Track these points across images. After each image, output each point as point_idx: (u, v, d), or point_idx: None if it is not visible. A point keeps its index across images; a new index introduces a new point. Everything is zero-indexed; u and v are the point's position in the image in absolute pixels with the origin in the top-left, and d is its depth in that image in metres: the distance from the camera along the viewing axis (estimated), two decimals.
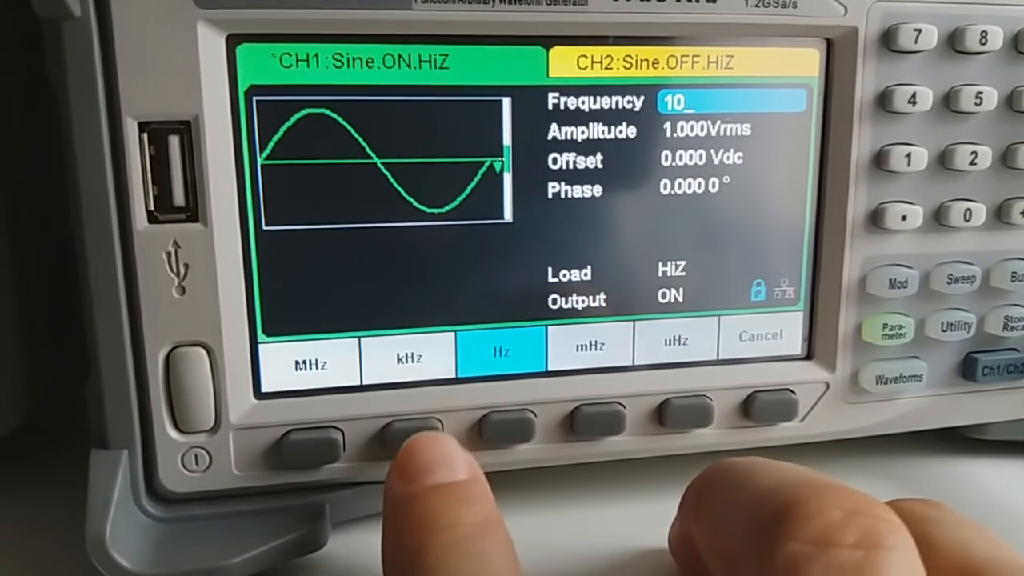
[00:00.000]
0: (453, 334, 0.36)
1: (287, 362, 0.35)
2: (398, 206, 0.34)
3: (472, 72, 0.33)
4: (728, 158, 0.37)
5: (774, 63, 0.36)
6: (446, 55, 0.33)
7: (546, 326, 0.37)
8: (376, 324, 0.35)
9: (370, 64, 0.32)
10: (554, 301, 0.37)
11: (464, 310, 0.35)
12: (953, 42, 0.36)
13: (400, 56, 0.32)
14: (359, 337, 0.35)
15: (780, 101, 0.36)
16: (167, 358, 0.33)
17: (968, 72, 0.37)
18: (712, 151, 0.36)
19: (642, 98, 0.35)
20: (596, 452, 0.38)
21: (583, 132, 0.35)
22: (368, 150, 0.33)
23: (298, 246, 0.33)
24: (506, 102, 0.34)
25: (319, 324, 0.34)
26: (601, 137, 0.35)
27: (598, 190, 0.36)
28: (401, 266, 0.34)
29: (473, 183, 0.34)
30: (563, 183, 0.35)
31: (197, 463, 0.34)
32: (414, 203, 0.34)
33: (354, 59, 0.32)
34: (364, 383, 0.36)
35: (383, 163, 0.33)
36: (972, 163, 0.38)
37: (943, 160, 0.37)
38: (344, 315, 0.34)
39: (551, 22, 0.33)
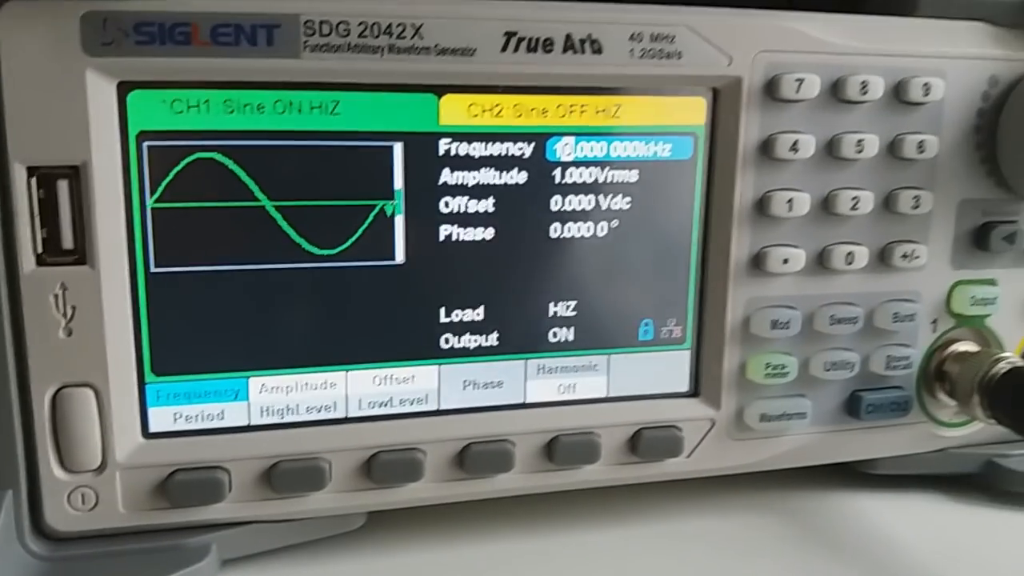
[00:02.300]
0: (344, 374, 0.39)
1: (175, 401, 0.38)
2: (288, 248, 0.36)
3: (363, 118, 0.36)
4: (616, 203, 0.40)
5: (661, 112, 0.39)
6: (337, 101, 0.36)
7: (439, 365, 0.40)
8: (266, 364, 0.37)
9: (261, 110, 0.35)
10: (446, 340, 0.39)
11: (355, 350, 0.38)
12: (836, 91, 0.40)
13: (291, 102, 0.35)
14: (248, 377, 0.37)
15: (667, 148, 0.40)
16: (54, 398, 0.35)
17: (850, 120, 0.40)
18: (600, 196, 0.40)
19: (532, 145, 0.38)
20: (485, 490, 0.41)
21: (474, 177, 0.38)
22: (258, 193, 0.36)
23: (188, 287, 0.36)
24: (397, 147, 0.37)
25: (208, 364, 0.37)
26: (492, 182, 0.38)
27: (490, 233, 0.39)
28: (291, 307, 0.37)
29: (364, 225, 0.37)
30: (455, 226, 0.38)
31: (83, 502, 0.36)
32: (304, 245, 0.36)
33: (244, 105, 0.35)
34: (252, 423, 0.39)
35: (273, 205, 0.36)
36: (854, 208, 0.41)
37: (826, 205, 0.41)
38: (233, 355, 0.37)
39: (440, 71, 0.36)
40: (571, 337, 0.41)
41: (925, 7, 0.41)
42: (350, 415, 0.39)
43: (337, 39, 0.34)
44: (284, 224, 0.36)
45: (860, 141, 0.40)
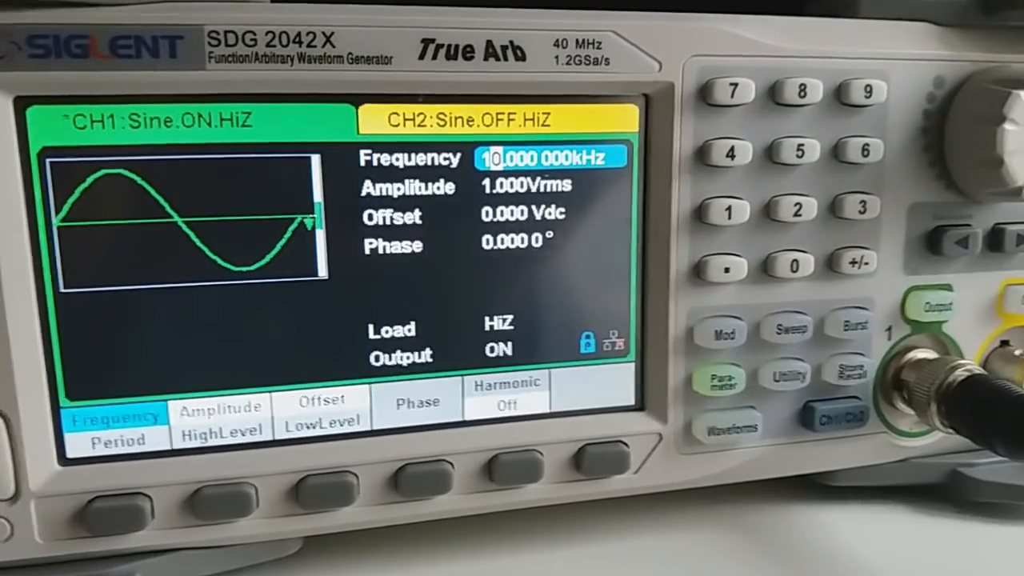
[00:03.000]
0: (269, 395, 0.36)
1: (92, 426, 0.35)
2: (203, 265, 0.34)
3: (277, 130, 0.34)
4: (550, 213, 0.38)
5: (593, 119, 0.37)
6: (248, 113, 0.34)
7: (369, 384, 0.37)
8: (186, 386, 0.35)
9: (168, 123, 0.33)
10: (377, 358, 0.37)
11: (280, 370, 0.36)
12: (773, 95, 0.38)
13: (200, 115, 0.33)
14: (167, 400, 0.35)
15: (600, 157, 0.38)
16: None
17: (789, 125, 0.38)
18: (533, 207, 0.38)
19: (459, 155, 0.36)
20: (423, 512, 0.39)
21: (399, 188, 0.36)
22: (168, 209, 0.34)
23: (100, 308, 0.34)
24: (315, 159, 0.35)
25: (125, 387, 0.35)
26: (418, 193, 0.36)
27: (418, 246, 0.37)
28: (210, 326, 0.35)
29: (283, 240, 0.35)
30: (380, 239, 0.36)
31: None
32: (219, 261, 0.34)
33: (151, 119, 0.33)
34: (174, 447, 0.36)
35: (185, 222, 0.34)
36: (797, 214, 0.39)
37: (767, 212, 0.39)
38: (152, 378, 0.35)
39: (355, 80, 0.34)
40: (510, 351, 0.39)
41: (866, 8, 0.39)
42: (277, 438, 0.37)
43: (244, 49, 0.32)
44: (198, 241, 0.34)
45: (800, 146, 0.38)
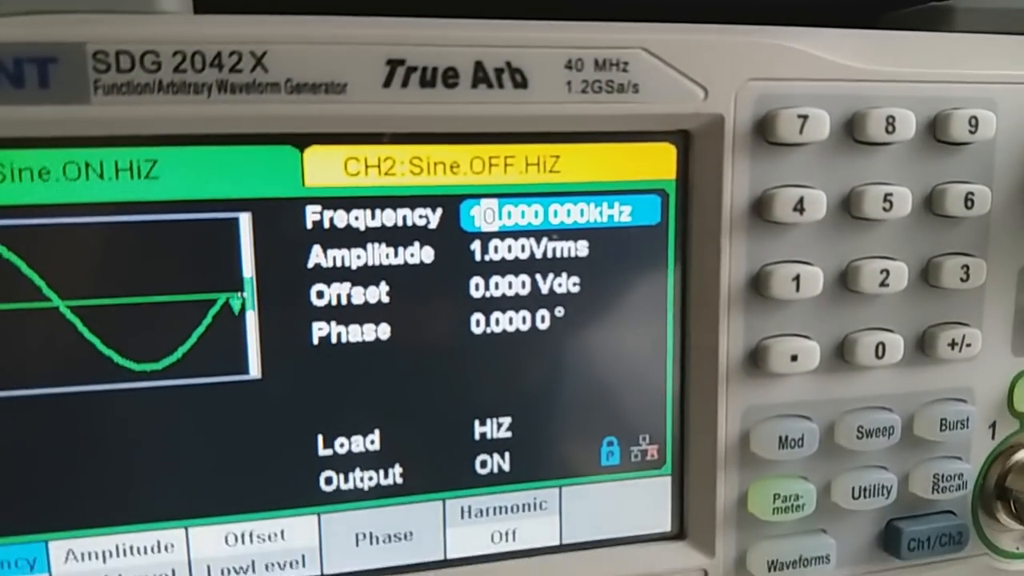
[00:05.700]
0: (184, 531, 0.32)
1: None
2: (94, 364, 0.30)
3: (192, 183, 0.30)
4: (560, 285, 0.34)
5: (615, 164, 0.34)
6: (154, 161, 0.30)
7: (318, 514, 0.34)
8: (72, 522, 0.31)
9: (45, 176, 0.29)
10: (329, 480, 0.33)
11: (199, 498, 0.32)
12: (852, 130, 0.34)
13: (87, 165, 0.29)
14: (47, 540, 0.31)
15: (625, 212, 0.35)
16: None
17: (873, 168, 0.35)
18: (538, 277, 0.34)
19: (439, 212, 0.33)
20: None
21: (359, 257, 0.32)
22: (47, 291, 0.30)
23: None
24: (244, 220, 0.31)
25: None
26: (385, 263, 0.33)
27: (384, 331, 0.33)
28: (104, 444, 0.31)
29: (201, 328, 0.31)
30: (334, 323, 0.32)
31: None
32: (116, 359, 0.31)
33: (20, 171, 0.29)
34: None
35: (69, 307, 0.30)
36: (883, 283, 0.35)
37: (845, 281, 0.35)
38: (28, 510, 0.31)
39: (295, 116, 0.30)
40: (506, 466, 0.35)
41: (964, 19, 0.37)
42: None
43: (143, 75, 0.28)
44: (86, 331, 0.30)
45: (888, 195, 0.35)
